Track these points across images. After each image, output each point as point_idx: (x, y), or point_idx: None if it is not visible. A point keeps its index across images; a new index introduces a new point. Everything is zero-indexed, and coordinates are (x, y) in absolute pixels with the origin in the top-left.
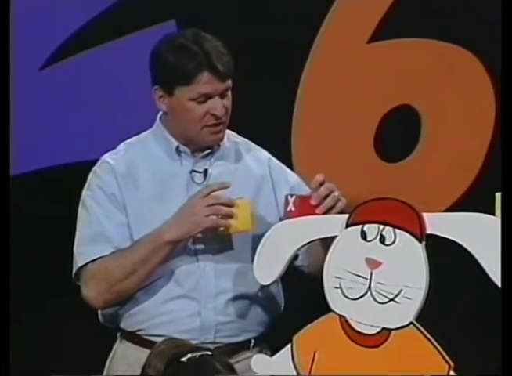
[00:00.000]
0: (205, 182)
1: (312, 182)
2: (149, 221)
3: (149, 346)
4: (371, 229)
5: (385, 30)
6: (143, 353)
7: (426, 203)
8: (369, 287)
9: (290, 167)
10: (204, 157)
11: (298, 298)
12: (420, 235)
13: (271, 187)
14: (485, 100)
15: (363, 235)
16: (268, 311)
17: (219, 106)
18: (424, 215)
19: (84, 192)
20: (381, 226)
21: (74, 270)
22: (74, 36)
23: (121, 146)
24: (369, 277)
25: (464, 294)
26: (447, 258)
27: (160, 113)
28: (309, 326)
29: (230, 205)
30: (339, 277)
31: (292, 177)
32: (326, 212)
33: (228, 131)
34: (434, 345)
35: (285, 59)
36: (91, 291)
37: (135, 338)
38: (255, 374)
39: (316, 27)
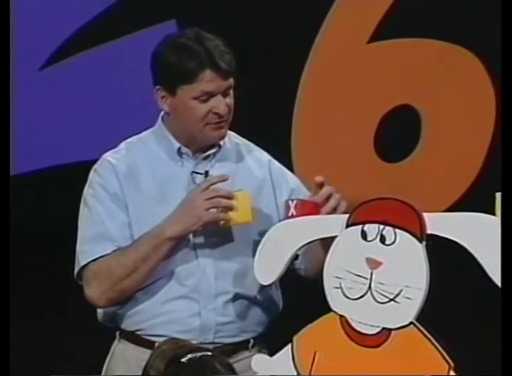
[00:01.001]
0: None
1: (312, 184)
2: (149, 222)
3: (148, 346)
4: (371, 229)
5: (385, 30)
6: (142, 353)
7: (426, 203)
8: (370, 287)
9: (290, 167)
10: (205, 158)
11: (298, 298)
12: (421, 235)
13: (271, 189)
14: (485, 100)
15: (363, 235)
16: (266, 311)
17: (222, 104)
18: (424, 214)
19: (86, 190)
20: (381, 226)
21: (77, 269)
22: (74, 36)
23: (122, 145)
24: (369, 277)
25: (464, 294)
26: (447, 258)
27: (162, 113)
28: (309, 326)
29: (230, 197)
30: (339, 277)
31: (292, 179)
32: (330, 213)
33: (229, 132)
34: (435, 345)
35: (285, 59)
36: (95, 291)
37: (134, 338)
38: (255, 373)
39: (316, 27)
